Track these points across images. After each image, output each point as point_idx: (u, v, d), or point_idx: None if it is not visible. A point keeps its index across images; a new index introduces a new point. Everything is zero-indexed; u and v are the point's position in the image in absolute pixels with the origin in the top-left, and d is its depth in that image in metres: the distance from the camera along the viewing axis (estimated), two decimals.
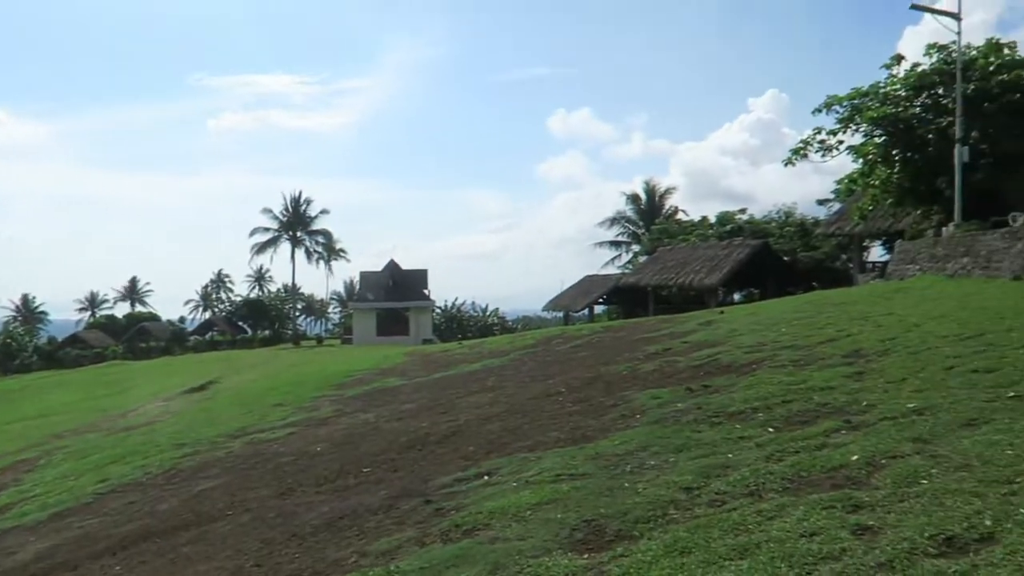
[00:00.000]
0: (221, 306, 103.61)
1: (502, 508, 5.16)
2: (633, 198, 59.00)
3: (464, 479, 6.50)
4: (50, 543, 7.44)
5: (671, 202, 59.25)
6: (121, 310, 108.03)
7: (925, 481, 4.00)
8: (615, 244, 58.10)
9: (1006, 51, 22.26)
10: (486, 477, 6.38)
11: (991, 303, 10.73)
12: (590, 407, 8.96)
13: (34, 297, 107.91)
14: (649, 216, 56.66)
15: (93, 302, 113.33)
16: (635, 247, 55.95)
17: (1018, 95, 20.46)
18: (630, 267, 51.23)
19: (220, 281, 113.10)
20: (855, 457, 4.64)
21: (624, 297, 45.30)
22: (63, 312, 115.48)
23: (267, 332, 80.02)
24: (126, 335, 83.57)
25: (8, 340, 73.93)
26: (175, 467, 9.99)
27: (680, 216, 56.24)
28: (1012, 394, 5.58)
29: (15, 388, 42.19)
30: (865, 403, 6.19)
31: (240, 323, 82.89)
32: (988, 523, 3.25)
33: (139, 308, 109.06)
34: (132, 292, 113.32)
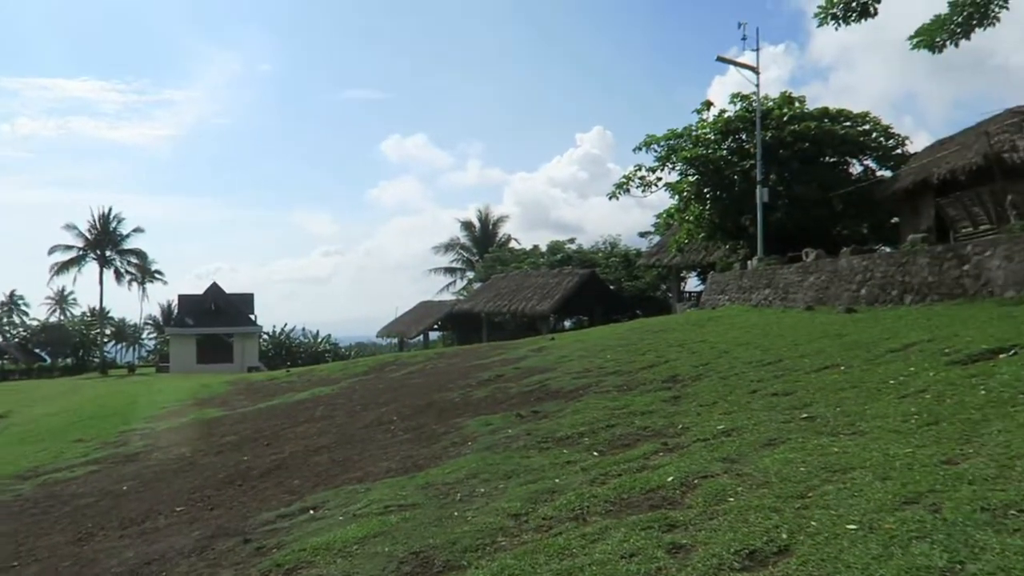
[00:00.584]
0: (14, 331, 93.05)
1: (327, 544, 4.96)
2: (467, 225, 59.86)
3: (288, 515, 6.20)
4: None
5: (504, 230, 60.74)
6: None
7: (732, 499, 4.29)
8: (450, 270, 58.54)
9: (797, 104, 24.98)
10: (311, 512, 6.12)
11: (787, 332, 11.84)
12: (422, 435, 8.88)
13: None
14: (483, 243, 57.67)
15: None
16: (469, 274, 56.67)
17: (807, 144, 22.97)
18: (465, 293, 51.78)
19: (12, 303, 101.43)
20: (671, 478, 4.90)
21: (459, 323, 45.63)
22: None
23: (69, 360, 72.84)
24: None
25: None
26: None
27: (513, 244, 57.75)
28: (805, 415, 6.14)
29: None
30: (680, 426, 6.58)
31: (37, 350, 74.83)
32: (784, 536, 3.53)
33: None
34: None
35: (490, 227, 59.99)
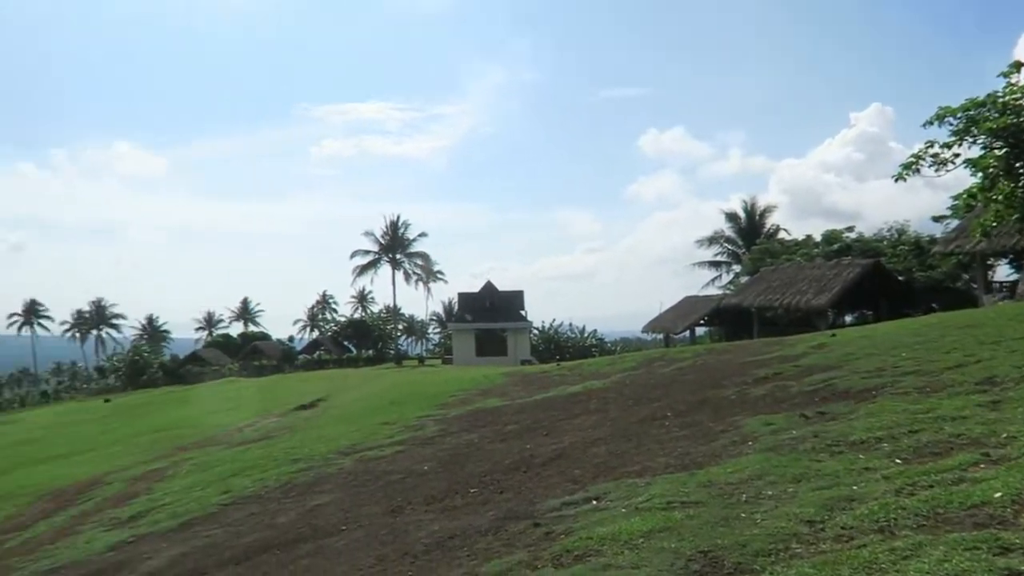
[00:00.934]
0: (327, 326, 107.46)
1: (613, 534, 5.10)
2: (732, 216, 57.48)
3: (572, 503, 6.47)
4: (180, 551, 7.87)
5: (772, 220, 57.35)
6: (236, 329, 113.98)
7: None
8: (714, 264, 56.71)
9: None
10: (594, 502, 6.33)
11: None
12: (698, 432, 8.75)
13: (158, 317, 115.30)
14: (749, 235, 55.05)
15: (210, 322, 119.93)
16: (735, 267, 54.46)
17: None
18: (731, 288, 49.89)
19: (325, 302, 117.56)
20: (998, 494, 4.32)
21: (726, 319, 44.12)
22: (183, 331, 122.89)
23: (370, 352, 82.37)
24: (240, 353, 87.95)
25: (136, 357, 79.20)
26: (291, 482, 10.40)
27: (782, 235, 54.40)
28: None
29: (143, 402, 45.05)
30: (1005, 435, 5.77)
31: (345, 343, 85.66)
32: None
33: (251, 328, 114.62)
34: (245, 312, 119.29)
35: (756, 218, 57.09)
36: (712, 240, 57.12)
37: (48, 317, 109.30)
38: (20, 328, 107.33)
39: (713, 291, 52.68)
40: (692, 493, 5.84)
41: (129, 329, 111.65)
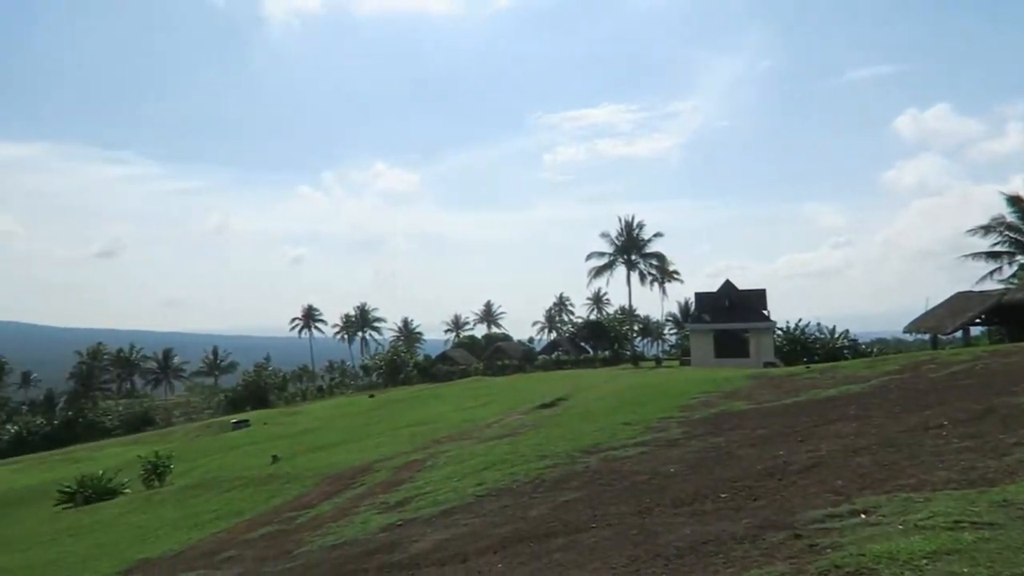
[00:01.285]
0: (564, 328, 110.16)
1: (890, 553, 4.65)
2: (1014, 200, 50.03)
3: (836, 515, 6.02)
4: (442, 536, 8.48)
5: None
6: (479, 331, 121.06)
7: None
8: (992, 255, 49.75)
9: None
10: (863, 516, 5.83)
11: None
12: (985, 444, 7.74)
13: (412, 320, 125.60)
14: None
15: (457, 324, 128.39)
16: (1020, 258, 47.41)
17: None
18: (1014, 281, 43.55)
19: (561, 304, 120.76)
20: None
21: (1010, 317, 38.65)
22: (434, 333, 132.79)
23: (607, 352, 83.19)
24: (485, 354, 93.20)
25: (394, 357, 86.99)
26: (539, 477, 10.77)
27: None
28: None
29: (402, 398, 49.28)
30: None
31: (582, 344, 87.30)
32: None
33: (494, 329, 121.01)
34: (488, 315, 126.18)
35: None
36: (989, 228, 50.12)
37: (323, 321, 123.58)
38: (300, 331, 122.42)
39: (991, 285, 46.33)
40: (984, 513, 5.17)
41: (388, 331, 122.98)
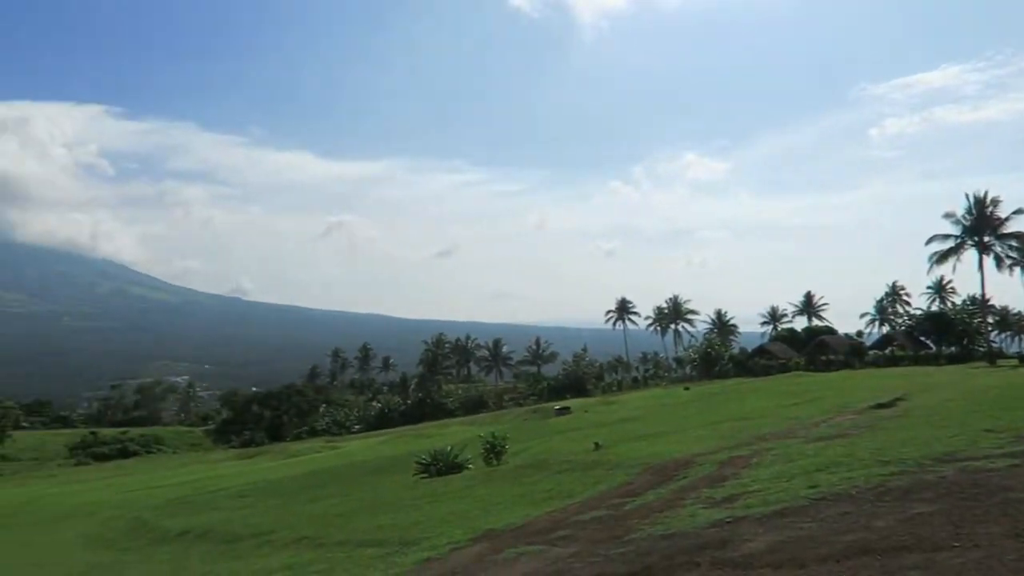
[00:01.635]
0: (899, 320, 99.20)
1: None
2: None
3: None
4: (776, 537, 8.17)
5: None
6: (799, 324, 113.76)
7: None
8: None
9: None
10: None
11: None
12: None
13: (725, 312, 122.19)
14: None
15: (774, 316, 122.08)
16: None
17: None
18: None
19: (895, 294, 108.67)
20: None
21: None
22: (749, 325, 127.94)
23: (952, 348, 73.26)
24: (806, 348, 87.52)
25: (709, 350, 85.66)
26: (882, 484, 9.87)
27: None
28: None
29: (717, 391, 48.43)
30: None
31: (921, 338, 77.90)
32: None
33: (815, 322, 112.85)
34: (808, 306, 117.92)
35: None
36: None
37: (636, 313, 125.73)
38: (615, 323, 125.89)
39: None
40: None
41: (701, 323, 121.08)
